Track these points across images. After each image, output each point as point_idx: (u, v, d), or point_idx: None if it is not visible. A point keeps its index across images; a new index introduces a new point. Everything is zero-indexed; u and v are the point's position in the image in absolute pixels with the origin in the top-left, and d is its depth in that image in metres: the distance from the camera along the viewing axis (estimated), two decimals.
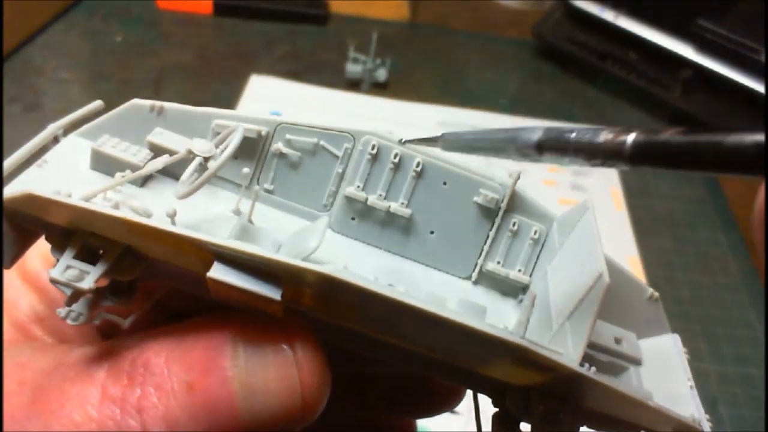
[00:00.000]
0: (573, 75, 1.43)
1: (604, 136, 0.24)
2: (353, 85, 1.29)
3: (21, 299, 0.36)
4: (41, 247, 0.32)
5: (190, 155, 0.32)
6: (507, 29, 1.55)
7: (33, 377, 0.30)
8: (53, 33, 1.31)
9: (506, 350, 0.28)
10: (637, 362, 0.38)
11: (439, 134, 0.34)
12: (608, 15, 1.37)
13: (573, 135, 0.26)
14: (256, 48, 1.36)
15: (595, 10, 1.38)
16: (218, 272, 0.27)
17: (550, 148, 0.27)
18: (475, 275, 0.38)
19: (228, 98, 1.20)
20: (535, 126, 0.28)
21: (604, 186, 1.16)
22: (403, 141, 0.37)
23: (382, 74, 1.29)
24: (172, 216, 0.30)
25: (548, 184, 1.15)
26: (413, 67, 1.38)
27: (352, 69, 1.28)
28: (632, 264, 1.02)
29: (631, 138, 0.23)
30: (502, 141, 0.30)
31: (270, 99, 1.22)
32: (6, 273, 0.37)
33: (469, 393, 0.39)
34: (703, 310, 0.98)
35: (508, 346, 0.28)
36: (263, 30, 1.41)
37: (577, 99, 1.38)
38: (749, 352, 0.93)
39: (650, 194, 1.17)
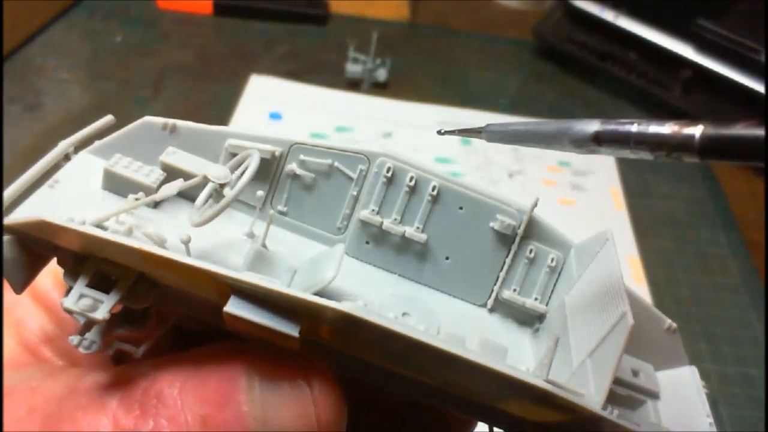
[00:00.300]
0: (573, 75, 1.43)
1: (670, 128, 0.24)
2: (353, 85, 1.29)
3: (30, 319, 0.36)
4: (51, 265, 0.31)
5: (205, 181, 0.31)
6: (507, 29, 1.55)
7: (44, 404, 0.29)
8: (53, 33, 1.31)
9: (528, 392, 0.28)
10: (654, 396, 0.37)
11: (483, 125, 0.33)
12: (608, 15, 1.37)
13: (633, 127, 0.26)
14: (256, 48, 1.36)
15: (595, 10, 1.38)
16: (235, 307, 0.27)
17: (608, 140, 0.27)
18: (490, 303, 0.38)
19: (228, 98, 1.20)
20: (590, 118, 0.28)
21: (604, 186, 1.16)
22: (442, 132, 0.36)
23: (382, 74, 1.29)
24: (186, 242, 0.29)
25: (548, 184, 1.15)
26: (413, 67, 1.38)
27: (352, 69, 1.28)
28: (632, 264, 1.02)
29: (698, 131, 0.23)
30: (555, 132, 0.29)
31: (270, 99, 1.22)
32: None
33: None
34: (703, 310, 0.98)
35: (530, 389, 0.27)
36: (263, 30, 1.41)
37: (577, 99, 1.38)
38: (749, 352, 0.93)
39: (650, 194, 1.17)
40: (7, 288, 0.36)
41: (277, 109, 1.19)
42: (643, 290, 0.98)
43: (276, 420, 0.28)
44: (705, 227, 1.12)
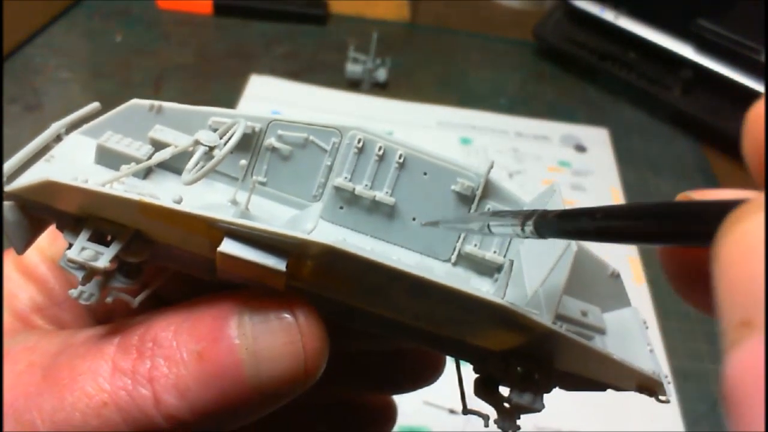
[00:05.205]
0: (573, 75, 1.43)
1: (514, 228, 0.31)
2: (353, 85, 1.29)
3: (20, 291, 0.37)
4: (37, 241, 0.33)
5: (196, 145, 0.34)
6: (507, 29, 1.55)
7: (42, 359, 0.31)
8: (53, 33, 1.31)
9: (487, 312, 0.31)
10: (601, 332, 0.40)
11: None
12: (608, 15, 1.37)
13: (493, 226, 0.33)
14: (256, 48, 1.36)
15: (595, 10, 1.38)
16: (229, 247, 0.29)
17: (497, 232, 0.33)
18: (454, 257, 0.40)
19: (228, 98, 1.20)
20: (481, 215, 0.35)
21: (604, 186, 1.16)
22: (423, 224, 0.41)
23: (382, 74, 1.29)
24: (178, 202, 0.31)
25: (548, 184, 1.14)
26: (413, 67, 1.38)
27: (352, 69, 1.28)
28: (632, 264, 1.02)
29: (530, 227, 0.30)
30: (466, 228, 0.36)
31: (270, 99, 1.22)
32: (4, 267, 0.38)
33: (447, 377, 0.42)
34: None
35: (489, 307, 0.30)
36: (263, 30, 1.41)
37: (577, 99, 1.38)
38: None
39: (650, 194, 1.17)
40: None
41: (277, 108, 1.19)
42: (643, 290, 0.98)
43: (266, 349, 0.30)
44: None
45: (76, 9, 1.38)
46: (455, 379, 0.41)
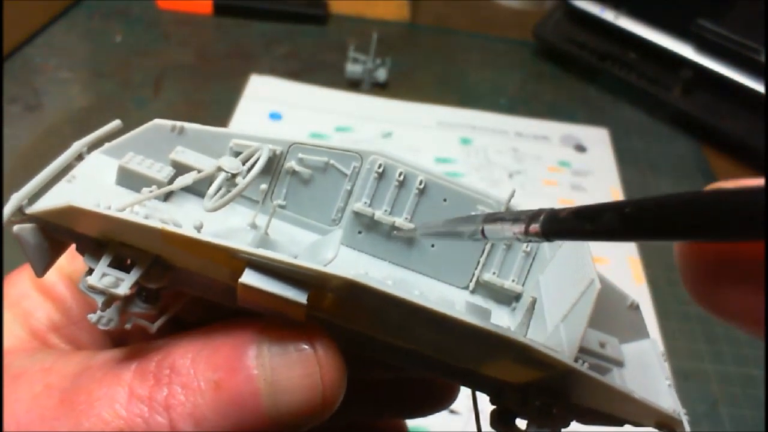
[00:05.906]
0: (573, 75, 1.43)
1: (519, 227, 0.28)
2: (353, 85, 1.29)
3: (38, 309, 0.37)
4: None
5: (219, 171, 0.34)
6: (507, 29, 1.55)
7: (59, 381, 0.31)
8: (53, 33, 1.31)
9: (509, 349, 0.31)
10: (620, 364, 0.40)
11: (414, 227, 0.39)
12: (608, 15, 1.37)
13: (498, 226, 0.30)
14: (256, 48, 1.36)
15: (595, 10, 1.38)
16: (250, 278, 0.28)
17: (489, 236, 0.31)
18: (472, 285, 0.41)
19: (228, 98, 1.20)
20: (475, 216, 0.32)
21: (604, 186, 1.16)
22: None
23: (382, 74, 1.29)
24: (199, 228, 0.31)
25: (548, 184, 1.15)
26: (413, 67, 1.38)
27: (352, 69, 1.28)
28: (632, 264, 1.02)
29: (538, 226, 0.26)
30: (454, 232, 0.34)
31: (270, 99, 1.22)
32: (22, 284, 0.38)
33: (464, 393, 0.41)
34: (703, 310, 0.98)
35: (512, 344, 0.30)
36: (263, 30, 1.41)
37: (577, 99, 1.38)
38: (749, 352, 0.93)
39: (650, 193, 1.17)
40: (14, 282, 0.38)
41: (277, 109, 1.19)
42: (643, 290, 0.98)
43: (284, 381, 0.30)
44: None
45: (76, 9, 1.38)
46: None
